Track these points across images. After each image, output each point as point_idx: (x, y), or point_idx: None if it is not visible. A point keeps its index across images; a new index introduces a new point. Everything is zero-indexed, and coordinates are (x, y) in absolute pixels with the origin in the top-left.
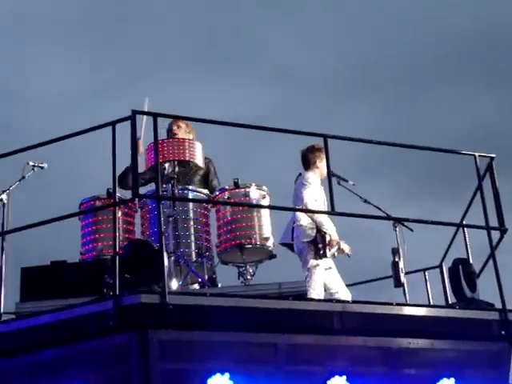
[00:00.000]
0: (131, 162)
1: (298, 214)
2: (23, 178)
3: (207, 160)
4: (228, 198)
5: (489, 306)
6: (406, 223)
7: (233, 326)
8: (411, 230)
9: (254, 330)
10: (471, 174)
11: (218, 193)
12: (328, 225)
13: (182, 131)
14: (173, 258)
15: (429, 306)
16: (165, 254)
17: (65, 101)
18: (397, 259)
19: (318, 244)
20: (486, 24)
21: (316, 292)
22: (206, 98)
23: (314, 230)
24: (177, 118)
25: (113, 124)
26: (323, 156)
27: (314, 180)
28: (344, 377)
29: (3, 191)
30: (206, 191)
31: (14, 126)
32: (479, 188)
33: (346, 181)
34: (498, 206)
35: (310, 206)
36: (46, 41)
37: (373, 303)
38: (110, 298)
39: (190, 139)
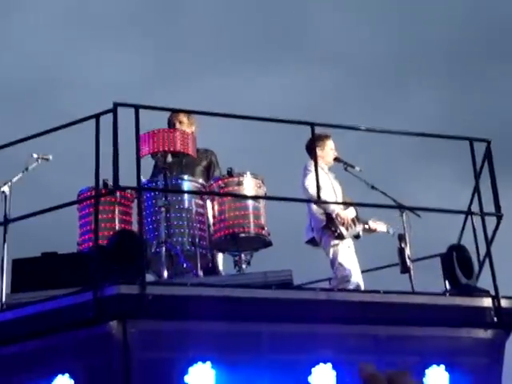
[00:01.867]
0: (113, 154)
1: (308, 204)
2: (26, 169)
3: (209, 152)
4: (222, 187)
5: (484, 293)
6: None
7: (214, 316)
8: (418, 216)
9: (235, 319)
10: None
11: (212, 182)
12: (334, 206)
13: (185, 126)
14: (164, 248)
15: (417, 293)
16: (154, 245)
17: (120, 92)
18: (403, 245)
19: (331, 227)
20: None
21: (345, 265)
22: (256, 86)
23: (325, 215)
24: (160, 109)
25: (96, 116)
26: (325, 144)
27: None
28: (329, 364)
29: (5, 183)
30: (201, 181)
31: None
32: (475, 174)
33: (353, 167)
34: (494, 192)
35: (312, 192)
36: (104, 33)
37: (358, 291)
38: (89, 290)
39: (183, 130)
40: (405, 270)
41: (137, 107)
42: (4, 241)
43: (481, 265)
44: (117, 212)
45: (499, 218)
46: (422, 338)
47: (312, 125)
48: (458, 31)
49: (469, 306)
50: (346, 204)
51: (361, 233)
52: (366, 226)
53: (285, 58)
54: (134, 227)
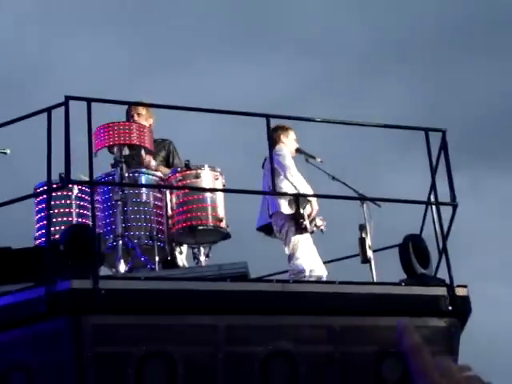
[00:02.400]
0: (64, 148)
1: (279, 185)
2: None
3: (167, 141)
4: (180, 179)
5: (439, 282)
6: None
7: (168, 309)
8: (379, 206)
9: (190, 313)
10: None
11: (170, 174)
12: (304, 187)
13: (143, 118)
14: (121, 242)
15: (372, 283)
16: (111, 239)
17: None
18: (364, 235)
19: (299, 219)
20: None
21: (303, 259)
22: (238, 77)
23: (294, 205)
24: (113, 103)
25: (48, 110)
26: (288, 133)
27: (287, 151)
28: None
29: None
30: (159, 173)
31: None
32: (430, 163)
33: (314, 158)
34: (450, 181)
35: (293, 173)
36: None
37: (314, 282)
38: (42, 285)
39: (140, 123)
40: (365, 259)
41: (89, 100)
42: None
43: (440, 255)
44: (74, 206)
45: (454, 207)
46: (377, 328)
47: (267, 116)
48: (439, 19)
49: (423, 295)
50: (307, 196)
51: (314, 229)
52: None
53: (262, 49)
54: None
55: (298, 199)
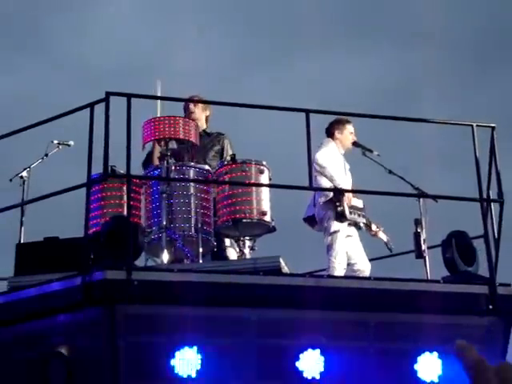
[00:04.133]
0: (104, 142)
1: (317, 178)
2: (46, 155)
3: (222, 136)
4: (226, 172)
5: (480, 280)
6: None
7: (199, 301)
8: (435, 201)
9: (222, 305)
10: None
11: (217, 168)
12: (340, 181)
13: (200, 110)
14: (165, 234)
15: (410, 280)
16: (155, 231)
17: (207, 75)
18: (419, 230)
19: (335, 202)
20: None
21: (337, 261)
22: (348, 67)
23: (331, 193)
24: (152, 98)
25: (91, 105)
26: (344, 128)
27: (331, 146)
28: (318, 350)
29: (24, 168)
30: (206, 167)
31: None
32: (476, 159)
33: (371, 151)
34: (498, 178)
35: (326, 166)
36: (191, 15)
37: (349, 278)
38: (78, 275)
39: (186, 118)
40: (420, 255)
41: (129, 96)
42: (21, 224)
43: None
44: (125, 197)
45: (501, 204)
46: (414, 325)
47: (307, 111)
48: None
49: (464, 293)
50: (355, 192)
51: (362, 225)
52: (370, 225)
53: (371, 39)
54: (143, 212)
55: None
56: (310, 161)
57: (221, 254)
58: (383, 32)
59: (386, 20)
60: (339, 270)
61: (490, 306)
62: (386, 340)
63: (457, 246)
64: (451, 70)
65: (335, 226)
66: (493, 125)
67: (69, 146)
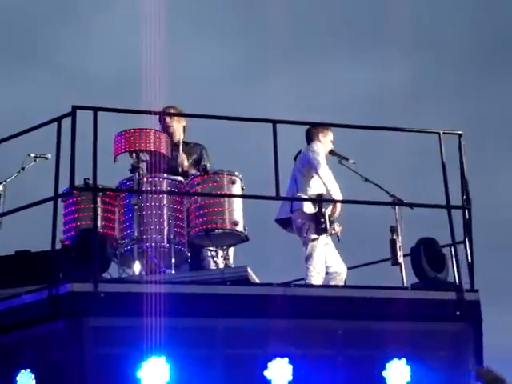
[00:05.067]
0: (71, 156)
1: (301, 182)
2: (23, 169)
3: (199, 146)
4: (198, 183)
5: (447, 287)
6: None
7: (167, 312)
8: (411, 208)
9: (189, 315)
10: None
11: (190, 179)
12: (336, 194)
13: (176, 121)
14: (136, 246)
15: (378, 287)
16: (127, 242)
17: (208, 88)
18: (394, 237)
19: (320, 218)
20: None
21: (316, 270)
22: (348, 74)
23: (316, 204)
24: (119, 111)
25: (58, 120)
26: (328, 133)
27: (322, 150)
28: (286, 359)
29: (0, 182)
30: (179, 178)
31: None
32: (443, 166)
33: (347, 159)
34: (463, 185)
35: (324, 174)
36: (192, 28)
37: (316, 286)
38: (46, 288)
39: (156, 130)
40: (395, 262)
41: (95, 109)
42: None
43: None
44: (100, 210)
45: (468, 210)
46: (383, 332)
47: (274, 122)
48: None
49: (432, 300)
50: (329, 201)
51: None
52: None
53: (374, 47)
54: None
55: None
56: (277, 171)
57: (199, 264)
58: (384, 40)
59: (387, 29)
60: (318, 279)
61: (458, 312)
62: (354, 347)
63: (425, 253)
64: (453, 78)
65: (315, 235)
66: (459, 132)
67: (46, 158)
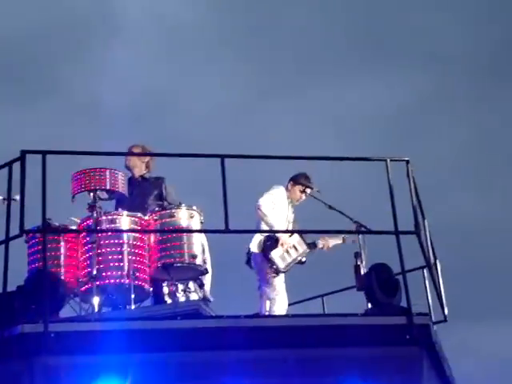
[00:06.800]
0: (20, 199)
1: (260, 223)
2: None
3: (160, 179)
4: (156, 219)
5: (397, 311)
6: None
7: (118, 349)
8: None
9: (141, 351)
10: None
11: (148, 215)
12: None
13: (136, 158)
14: (96, 283)
15: (329, 315)
16: (86, 280)
17: (218, 114)
18: (359, 263)
19: (268, 262)
20: None
21: (279, 300)
22: (359, 88)
23: (263, 246)
24: (68, 153)
25: (9, 164)
26: (298, 187)
27: (279, 193)
28: None
29: None
30: (139, 214)
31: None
32: (391, 192)
33: (311, 188)
34: (414, 210)
35: (264, 210)
36: (199, 54)
37: (265, 316)
38: None
39: (111, 169)
40: (361, 287)
41: (44, 153)
42: None
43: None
44: (62, 250)
45: (418, 235)
46: (335, 359)
47: (222, 157)
48: None
49: (382, 325)
50: (287, 232)
51: (304, 259)
52: (315, 247)
53: (386, 60)
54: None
55: (266, 242)
56: (226, 204)
57: (161, 299)
58: (395, 56)
59: (399, 43)
60: (281, 310)
61: (407, 336)
62: (306, 375)
63: (377, 279)
64: (465, 92)
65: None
66: (406, 158)
67: (15, 200)
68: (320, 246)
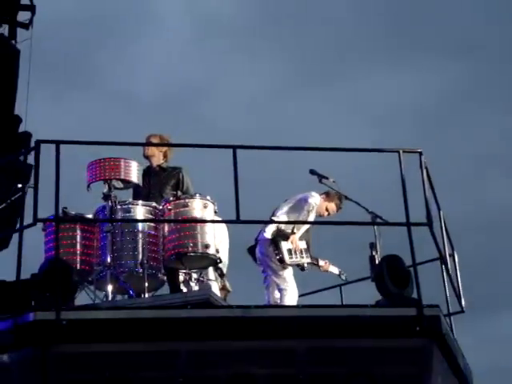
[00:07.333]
0: (34, 187)
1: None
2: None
3: (177, 170)
4: (170, 209)
5: (407, 303)
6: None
7: (129, 337)
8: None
9: (151, 339)
10: None
11: (162, 204)
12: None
13: (155, 147)
14: (108, 271)
15: (338, 306)
16: (100, 269)
17: (250, 100)
18: (374, 253)
19: (274, 250)
20: None
21: (290, 290)
22: (392, 82)
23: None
24: (81, 143)
25: (24, 154)
26: (328, 204)
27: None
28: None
29: None
30: (153, 204)
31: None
32: (403, 184)
33: (327, 178)
34: (426, 202)
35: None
36: (234, 42)
37: (276, 307)
38: (8, 318)
39: (125, 158)
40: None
41: (57, 142)
42: None
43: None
44: (78, 238)
45: (430, 227)
46: (345, 350)
47: (234, 147)
48: None
49: (392, 316)
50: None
51: (306, 265)
52: (317, 262)
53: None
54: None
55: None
56: (237, 194)
57: (177, 287)
58: (425, 45)
59: (429, 33)
60: (292, 300)
61: (418, 328)
62: (316, 366)
63: (388, 270)
64: (500, 82)
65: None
66: (419, 150)
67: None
68: (321, 263)
